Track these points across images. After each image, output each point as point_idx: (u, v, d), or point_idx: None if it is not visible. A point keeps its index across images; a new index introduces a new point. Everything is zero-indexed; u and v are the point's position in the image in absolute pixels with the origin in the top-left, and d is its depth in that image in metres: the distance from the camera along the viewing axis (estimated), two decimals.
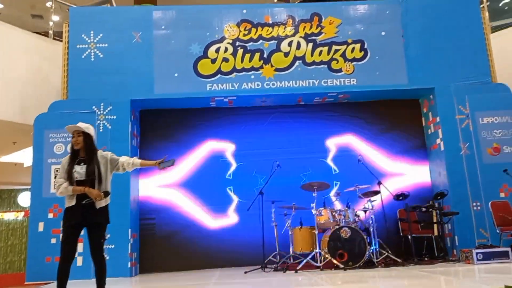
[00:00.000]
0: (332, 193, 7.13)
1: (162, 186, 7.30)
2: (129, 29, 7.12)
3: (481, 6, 7.63)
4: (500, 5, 9.61)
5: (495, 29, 8.72)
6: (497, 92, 7.10)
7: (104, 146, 6.40)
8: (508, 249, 5.81)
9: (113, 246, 6.31)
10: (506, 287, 2.99)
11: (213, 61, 7.11)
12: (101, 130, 6.70)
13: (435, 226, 6.70)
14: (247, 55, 7.17)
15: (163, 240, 7.12)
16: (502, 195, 6.68)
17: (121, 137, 6.73)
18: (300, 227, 6.35)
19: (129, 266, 6.37)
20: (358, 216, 6.39)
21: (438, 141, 7.15)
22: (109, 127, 6.75)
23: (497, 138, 6.90)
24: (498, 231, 6.23)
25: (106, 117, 6.80)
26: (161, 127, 7.50)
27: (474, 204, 6.70)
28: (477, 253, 5.76)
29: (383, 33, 7.29)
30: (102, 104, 6.82)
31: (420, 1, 7.39)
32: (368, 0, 7.50)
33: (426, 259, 6.51)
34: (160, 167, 4.06)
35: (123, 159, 4.04)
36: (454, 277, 4.86)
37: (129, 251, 6.43)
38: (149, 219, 7.16)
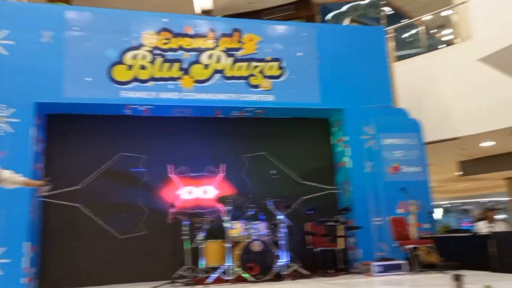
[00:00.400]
0: (245, 206, 7.21)
1: (69, 196, 6.85)
2: (39, 27, 6.67)
3: (387, 36, 8.30)
4: (403, 36, 10.53)
5: (401, 58, 9.53)
6: (398, 116, 7.74)
7: (4, 152, 5.93)
8: (403, 262, 6.30)
9: (9, 261, 5.82)
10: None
11: (130, 67, 6.92)
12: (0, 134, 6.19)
13: (340, 239, 7.05)
14: (166, 64, 7.07)
15: (68, 254, 6.64)
16: (399, 211, 7.23)
17: (23, 142, 6.26)
18: (212, 240, 6.33)
19: (22, 282, 5.88)
20: (270, 229, 6.53)
21: (345, 159, 7.59)
22: (12, 131, 6.26)
23: (397, 158, 7.49)
24: (395, 245, 6.73)
25: (8, 120, 6.29)
26: (70, 133, 7.06)
27: (376, 219, 7.19)
28: (375, 266, 6.18)
29: (299, 54, 7.61)
30: (4, 105, 6.30)
31: (334, 27, 7.92)
32: (287, 21, 7.82)
33: (332, 271, 6.81)
34: (41, 193, 3.79)
35: (6, 174, 3.65)
36: None
37: (25, 266, 5.94)
38: (53, 231, 6.66)
